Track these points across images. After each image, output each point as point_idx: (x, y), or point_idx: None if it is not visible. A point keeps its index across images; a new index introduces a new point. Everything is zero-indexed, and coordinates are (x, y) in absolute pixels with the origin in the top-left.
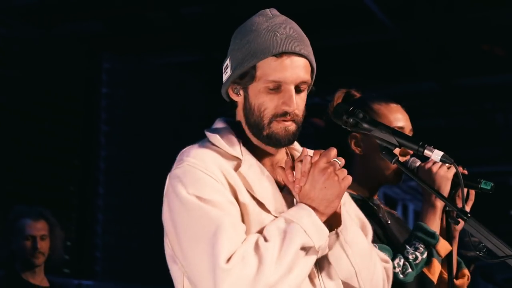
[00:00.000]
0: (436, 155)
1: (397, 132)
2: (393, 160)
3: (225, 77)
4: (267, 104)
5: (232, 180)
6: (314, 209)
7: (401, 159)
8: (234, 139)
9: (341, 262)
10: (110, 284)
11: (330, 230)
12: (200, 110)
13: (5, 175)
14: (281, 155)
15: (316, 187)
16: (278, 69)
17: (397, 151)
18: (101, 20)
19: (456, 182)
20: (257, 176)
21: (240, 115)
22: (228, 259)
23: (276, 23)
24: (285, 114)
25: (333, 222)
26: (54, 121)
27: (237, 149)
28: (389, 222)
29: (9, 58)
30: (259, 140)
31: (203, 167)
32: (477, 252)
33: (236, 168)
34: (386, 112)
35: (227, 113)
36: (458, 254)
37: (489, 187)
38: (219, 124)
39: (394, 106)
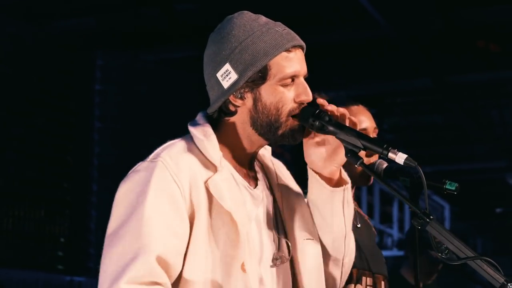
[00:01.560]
0: (400, 157)
1: (362, 135)
2: (358, 163)
3: (228, 83)
4: (284, 100)
5: (195, 195)
6: None
7: (369, 160)
8: (216, 145)
9: (339, 220)
10: None
11: (334, 186)
12: (194, 106)
13: None
14: (254, 159)
15: None
16: (291, 63)
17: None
18: (94, 17)
19: (419, 184)
20: (228, 186)
21: (239, 121)
22: (129, 283)
23: (266, 22)
24: (301, 105)
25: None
26: (47, 118)
27: (218, 157)
28: (359, 226)
29: (1, 55)
30: (269, 140)
31: (174, 172)
32: (439, 254)
33: (208, 177)
34: (356, 112)
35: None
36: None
37: (453, 188)
38: (203, 124)
39: (355, 108)
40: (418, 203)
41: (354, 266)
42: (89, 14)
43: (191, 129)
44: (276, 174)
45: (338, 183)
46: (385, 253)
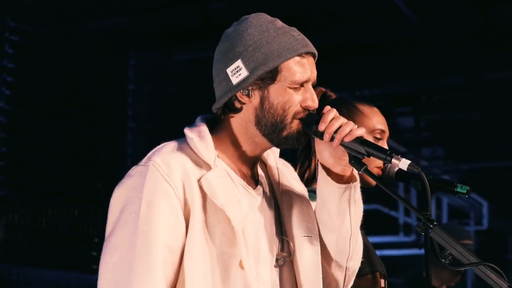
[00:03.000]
0: (403, 163)
1: (365, 142)
2: (362, 169)
3: (237, 79)
4: (292, 102)
5: (189, 193)
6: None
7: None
8: (211, 144)
9: (344, 219)
10: None
11: (344, 184)
12: None
13: (32, 172)
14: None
15: None
16: (303, 68)
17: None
18: (127, 16)
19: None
20: (222, 183)
21: (244, 119)
22: None
23: (283, 25)
24: (306, 110)
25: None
26: (80, 118)
27: (211, 156)
28: None
29: (35, 55)
30: (273, 141)
31: (166, 173)
32: (443, 260)
33: (202, 176)
34: (370, 112)
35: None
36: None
37: (465, 191)
38: (199, 125)
39: (376, 109)
40: (430, 207)
41: (376, 270)
42: (122, 14)
43: (186, 130)
44: (278, 174)
45: (348, 181)
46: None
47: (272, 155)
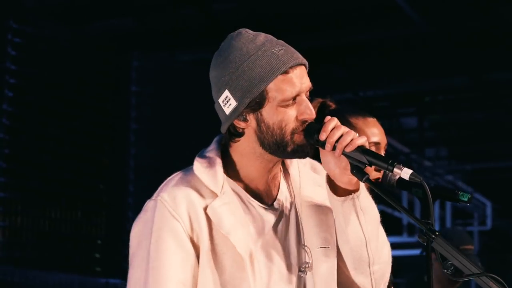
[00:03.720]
0: (405, 173)
1: (367, 151)
2: (364, 179)
3: (229, 110)
4: (287, 119)
5: (196, 224)
6: None
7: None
8: (219, 171)
9: (353, 228)
10: None
11: (347, 194)
12: None
13: (35, 173)
14: (277, 171)
15: None
16: (290, 84)
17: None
18: (131, 17)
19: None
20: (229, 209)
21: (249, 141)
22: None
23: (264, 42)
24: (304, 122)
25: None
26: (83, 120)
27: (219, 183)
28: None
29: (37, 57)
30: (281, 157)
31: (172, 208)
32: (445, 270)
33: (206, 205)
34: (363, 126)
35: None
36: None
37: (466, 199)
38: (212, 150)
39: (371, 120)
40: (432, 216)
41: None
42: (125, 15)
43: (196, 158)
44: (300, 182)
45: (355, 191)
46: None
47: (296, 163)
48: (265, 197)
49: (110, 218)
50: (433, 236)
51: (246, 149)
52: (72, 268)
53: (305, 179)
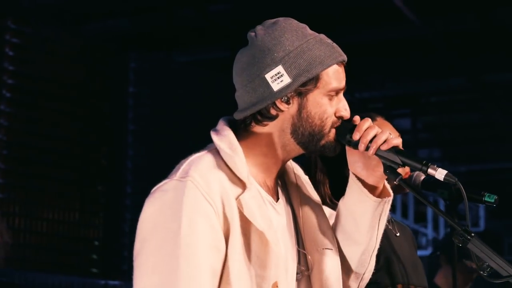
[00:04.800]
0: (439, 173)
1: (400, 151)
2: (397, 180)
3: (279, 86)
4: (328, 112)
5: (229, 212)
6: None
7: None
8: (243, 159)
9: (373, 233)
10: None
11: (380, 197)
12: (228, 107)
13: (32, 174)
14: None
15: None
16: (340, 76)
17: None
18: (128, 18)
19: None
20: (257, 204)
21: (278, 127)
22: None
23: (314, 32)
24: (339, 120)
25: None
26: (81, 120)
27: (245, 173)
28: (398, 234)
29: (36, 57)
30: (308, 149)
31: (205, 190)
32: (481, 272)
33: (238, 194)
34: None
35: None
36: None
37: (492, 200)
38: (228, 134)
39: (380, 119)
40: (455, 216)
41: (397, 282)
42: (122, 16)
43: (216, 140)
44: (297, 181)
45: (381, 193)
46: (420, 252)
47: (289, 162)
48: (272, 193)
49: (108, 219)
50: (468, 237)
51: (269, 137)
52: (69, 269)
53: (301, 178)
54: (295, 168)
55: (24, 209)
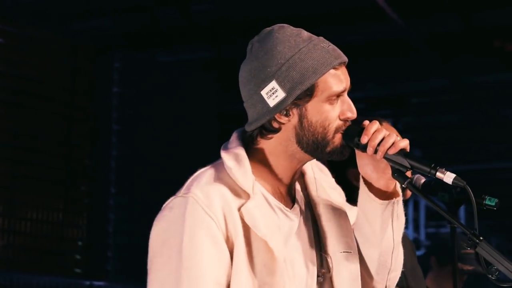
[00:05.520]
0: (448, 177)
1: (408, 155)
2: (405, 183)
3: (274, 102)
4: (330, 118)
5: (231, 224)
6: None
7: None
8: (249, 170)
9: (388, 233)
10: (122, 285)
11: (386, 199)
12: (212, 107)
13: (16, 174)
14: (298, 175)
15: None
16: (338, 80)
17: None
18: (111, 18)
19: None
20: (262, 212)
21: (283, 139)
22: None
23: (310, 37)
24: (346, 122)
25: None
26: (65, 120)
27: (250, 184)
28: None
29: (19, 57)
30: (315, 156)
31: (206, 205)
32: (489, 275)
33: (242, 205)
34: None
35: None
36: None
37: (493, 203)
38: (236, 147)
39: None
40: (476, 221)
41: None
42: (105, 16)
43: (223, 154)
44: (316, 185)
45: (391, 195)
46: None
47: (310, 164)
48: (286, 200)
49: (92, 220)
50: (477, 241)
51: (277, 147)
52: (53, 270)
53: (320, 182)
54: (316, 172)
55: (7, 209)
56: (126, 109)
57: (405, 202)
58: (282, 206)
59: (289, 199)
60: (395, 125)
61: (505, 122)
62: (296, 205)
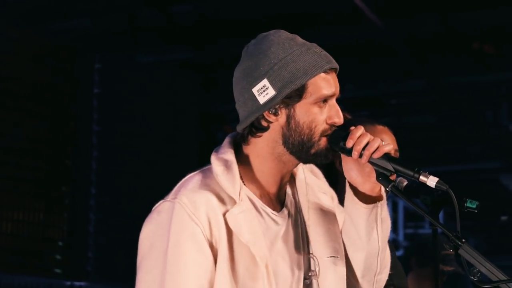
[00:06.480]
0: (431, 180)
1: (392, 158)
2: (389, 186)
3: (264, 99)
4: (317, 120)
5: (216, 229)
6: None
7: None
8: (237, 175)
9: (373, 237)
10: (102, 285)
11: (371, 203)
12: (193, 108)
13: None
14: (288, 176)
15: None
16: (328, 84)
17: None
18: (91, 19)
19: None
20: (247, 217)
21: (270, 139)
22: None
23: (304, 42)
24: (332, 127)
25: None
26: (45, 121)
27: (236, 190)
28: None
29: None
30: (301, 159)
31: (192, 211)
32: (472, 277)
33: (227, 210)
34: (372, 132)
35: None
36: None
37: (474, 206)
38: (226, 152)
39: (380, 127)
40: (458, 224)
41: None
42: (85, 16)
43: (213, 159)
44: (307, 189)
45: (376, 199)
46: None
47: (301, 168)
48: (275, 203)
49: (72, 220)
50: (459, 243)
51: (264, 148)
52: (33, 270)
53: (312, 185)
54: (308, 176)
55: None
56: (107, 110)
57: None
58: (269, 210)
59: (278, 202)
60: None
61: (483, 123)
62: (284, 209)
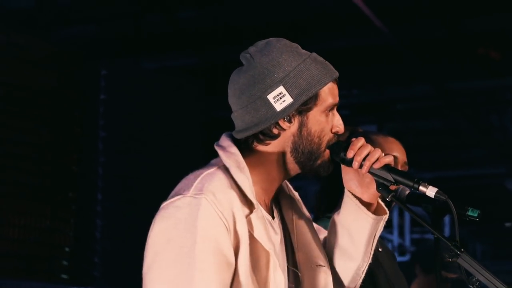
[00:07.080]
0: (430, 191)
1: (392, 169)
2: (389, 196)
3: (281, 106)
4: (325, 130)
5: (240, 229)
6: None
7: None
8: (250, 180)
9: (368, 249)
10: None
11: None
12: (198, 113)
13: (2, 180)
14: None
15: None
16: (333, 93)
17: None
18: (97, 25)
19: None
20: (263, 224)
21: (279, 146)
22: None
23: (307, 52)
24: (335, 136)
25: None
26: (52, 127)
27: (253, 194)
28: (380, 249)
29: (5, 64)
30: (305, 168)
31: (219, 208)
32: (471, 286)
33: (247, 214)
34: (383, 142)
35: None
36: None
37: (476, 215)
38: (234, 152)
39: (391, 139)
40: (457, 233)
41: None
42: (91, 23)
43: (225, 158)
44: (291, 199)
45: (377, 210)
46: None
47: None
48: (269, 211)
49: (79, 226)
50: (458, 252)
51: (271, 156)
52: (40, 276)
53: (294, 196)
54: (290, 186)
55: None
56: (113, 116)
57: (390, 207)
58: (270, 218)
59: (270, 211)
60: (379, 131)
61: (488, 128)
62: (276, 218)
